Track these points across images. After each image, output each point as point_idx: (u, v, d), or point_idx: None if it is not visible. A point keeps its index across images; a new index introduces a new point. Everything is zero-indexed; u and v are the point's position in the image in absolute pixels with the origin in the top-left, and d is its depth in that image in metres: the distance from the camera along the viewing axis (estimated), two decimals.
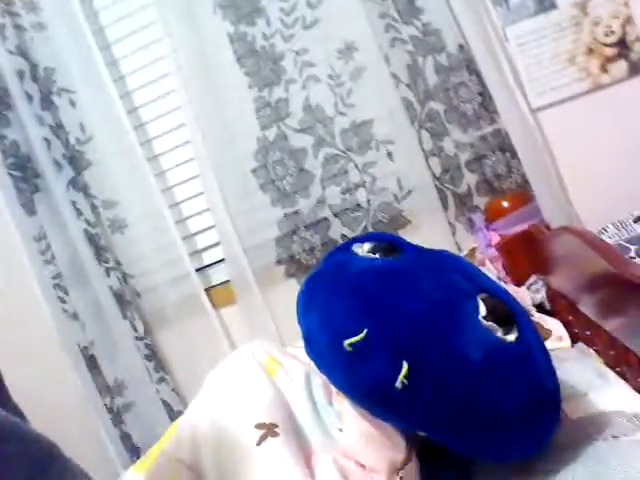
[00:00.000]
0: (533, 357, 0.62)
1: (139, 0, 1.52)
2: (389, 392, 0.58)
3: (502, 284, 1.30)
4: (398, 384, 0.57)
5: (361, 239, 0.74)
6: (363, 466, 0.64)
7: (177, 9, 1.42)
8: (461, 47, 1.34)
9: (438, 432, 0.61)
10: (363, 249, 0.72)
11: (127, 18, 1.55)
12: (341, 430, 0.68)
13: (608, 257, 0.73)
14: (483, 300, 0.63)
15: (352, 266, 0.69)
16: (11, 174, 1.55)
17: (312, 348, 0.67)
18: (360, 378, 0.61)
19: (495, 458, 0.62)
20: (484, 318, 0.61)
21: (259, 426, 0.66)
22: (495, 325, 0.61)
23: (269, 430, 0.66)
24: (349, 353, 0.60)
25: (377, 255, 0.70)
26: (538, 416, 0.61)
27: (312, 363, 0.72)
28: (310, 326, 0.67)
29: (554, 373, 0.64)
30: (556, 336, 1.03)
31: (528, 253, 1.27)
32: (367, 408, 0.63)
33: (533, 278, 1.24)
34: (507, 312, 0.63)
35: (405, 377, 0.57)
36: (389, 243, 0.72)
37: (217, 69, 1.45)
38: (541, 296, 1.21)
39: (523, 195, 1.34)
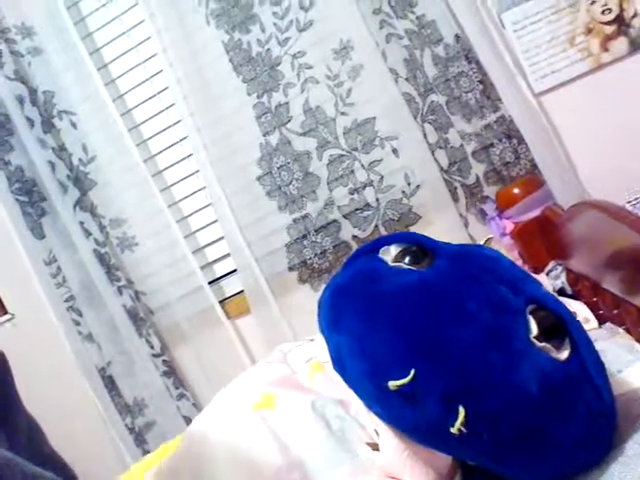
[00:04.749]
0: (588, 372, 0.58)
1: (132, 17, 1.52)
2: (442, 435, 0.54)
3: None
4: (454, 431, 0.53)
5: (387, 241, 0.69)
6: None
7: (170, 22, 1.42)
8: (458, 37, 1.33)
9: (494, 466, 0.58)
10: (390, 253, 0.67)
11: (122, 36, 1.55)
12: (370, 445, 0.64)
13: (636, 227, 0.70)
14: (532, 314, 0.58)
15: (384, 282, 0.63)
16: (18, 199, 1.55)
17: (343, 372, 0.62)
18: (408, 420, 0.57)
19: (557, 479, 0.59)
20: (536, 338, 0.57)
21: None
22: (548, 345, 0.57)
23: None
24: (394, 392, 0.55)
25: (407, 260, 0.65)
26: (599, 432, 0.58)
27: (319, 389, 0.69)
28: (340, 349, 0.62)
29: (607, 381, 0.61)
30: (582, 318, 1.00)
31: (544, 238, 1.25)
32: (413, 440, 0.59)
33: (552, 264, 1.22)
34: (558, 322, 0.59)
35: (462, 423, 0.53)
36: (418, 245, 0.66)
37: (214, 79, 1.45)
38: (561, 281, 1.18)
39: (533, 180, 1.32)
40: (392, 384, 0.55)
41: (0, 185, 1.53)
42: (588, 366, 0.59)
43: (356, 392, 0.62)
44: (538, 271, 1.24)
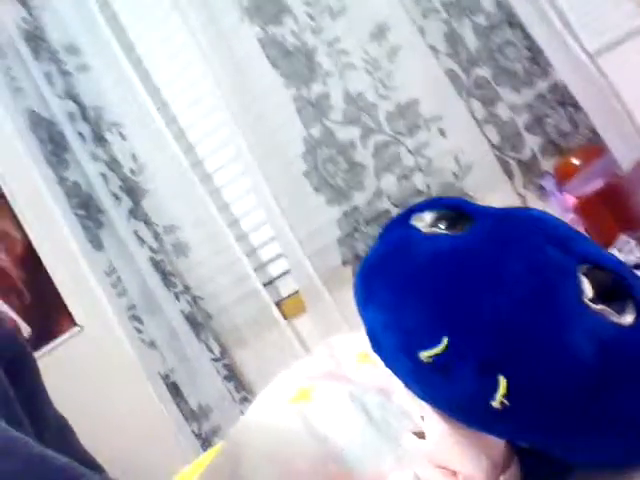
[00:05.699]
0: None
1: (170, 25, 1.54)
2: (483, 410, 0.49)
3: None
4: (496, 404, 0.48)
5: (420, 207, 0.63)
6: (455, 473, 0.54)
7: (204, 23, 1.43)
8: (499, 3, 1.25)
9: (548, 446, 0.52)
10: (425, 221, 0.61)
11: (161, 44, 1.57)
12: (416, 434, 0.60)
13: None
14: (586, 275, 0.52)
15: (417, 251, 0.58)
16: (76, 213, 1.60)
17: (380, 351, 0.59)
18: (444, 394, 0.52)
19: (623, 465, 0.51)
20: (592, 301, 0.50)
21: None
22: (607, 308, 0.50)
23: None
24: (427, 365, 0.51)
25: (442, 226, 0.59)
26: None
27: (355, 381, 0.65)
28: (374, 325, 0.58)
29: None
30: None
31: (611, 210, 1.15)
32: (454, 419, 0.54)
33: (623, 238, 1.12)
34: (617, 283, 0.52)
35: (504, 395, 0.48)
36: (455, 209, 0.61)
37: (253, 75, 1.44)
38: (636, 256, 1.08)
39: (594, 149, 1.21)
40: (423, 355, 0.50)
41: (60, 201, 1.59)
42: None
43: (393, 370, 0.58)
44: (608, 247, 1.14)
